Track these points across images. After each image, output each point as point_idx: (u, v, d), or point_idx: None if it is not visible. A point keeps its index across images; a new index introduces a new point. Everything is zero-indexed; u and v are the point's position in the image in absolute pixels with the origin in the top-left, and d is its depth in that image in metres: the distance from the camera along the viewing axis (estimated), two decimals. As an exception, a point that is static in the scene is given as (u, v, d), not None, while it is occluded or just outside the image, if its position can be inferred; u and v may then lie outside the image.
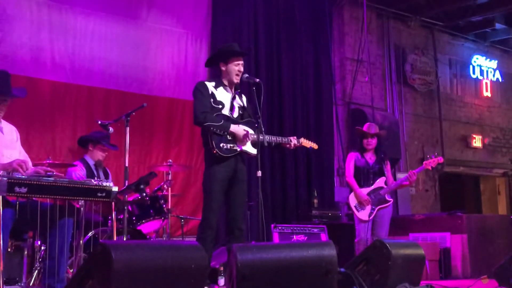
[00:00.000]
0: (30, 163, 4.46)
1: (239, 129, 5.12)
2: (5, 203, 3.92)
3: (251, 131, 5.19)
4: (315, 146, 5.73)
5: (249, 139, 5.13)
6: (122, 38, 7.88)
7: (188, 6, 8.63)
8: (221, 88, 5.23)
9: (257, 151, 5.13)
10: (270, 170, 8.85)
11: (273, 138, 5.33)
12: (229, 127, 5.08)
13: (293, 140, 5.43)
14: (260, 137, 5.07)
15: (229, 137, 5.09)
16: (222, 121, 5.09)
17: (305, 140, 5.60)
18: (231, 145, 5.09)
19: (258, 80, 5.26)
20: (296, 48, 9.63)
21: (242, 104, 5.32)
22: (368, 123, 7.25)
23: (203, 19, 8.76)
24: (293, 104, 9.46)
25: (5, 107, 4.43)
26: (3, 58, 6.80)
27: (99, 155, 6.51)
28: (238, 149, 5.12)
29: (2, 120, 4.51)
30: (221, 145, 5.04)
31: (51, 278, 4.15)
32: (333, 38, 10.53)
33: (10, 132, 4.57)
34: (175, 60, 8.40)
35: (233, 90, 5.29)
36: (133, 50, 7.96)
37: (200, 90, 5.19)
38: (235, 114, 5.24)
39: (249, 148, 5.19)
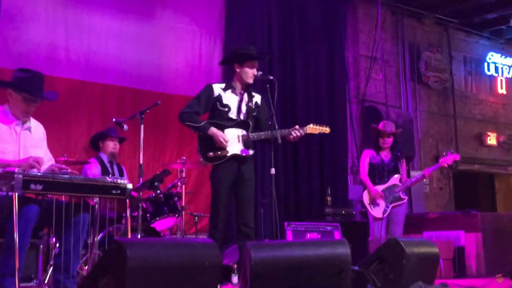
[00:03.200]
0: (51, 161, 4.51)
1: (217, 134, 5.11)
2: (29, 200, 3.96)
3: (237, 133, 5.18)
4: (326, 130, 5.42)
5: (225, 144, 5.11)
6: (137, 36, 7.92)
7: (202, 4, 8.65)
8: (229, 91, 5.26)
9: (255, 148, 5.16)
10: (283, 168, 8.84)
11: (270, 133, 5.21)
12: (208, 129, 5.11)
13: (296, 132, 5.23)
14: (252, 136, 5.13)
15: (216, 145, 5.12)
16: (203, 122, 5.13)
17: (312, 126, 5.36)
18: (219, 152, 5.11)
19: (272, 77, 5.27)
20: (309, 45, 9.61)
21: (252, 105, 5.32)
22: (384, 121, 7.21)
23: (217, 17, 8.77)
24: (306, 101, 9.44)
25: (35, 108, 4.47)
26: (19, 57, 6.86)
27: (110, 147, 6.60)
28: (227, 155, 5.13)
29: (31, 119, 4.55)
30: (208, 154, 5.12)
31: (63, 274, 4.17)
32: (347, 36, 10.51)
33: (38, 131, 4.61)
34: (189, 58, 8.42)
35: (243, 91, 5.30)
36: (147, 48, 7.99)
37: (201, 93, 5.30)
38: (243, 116, 5.25)
39: (238, 150, 5.18)
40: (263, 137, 5.22)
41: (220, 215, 5.12)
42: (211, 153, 5.12)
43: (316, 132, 5.41)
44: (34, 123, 4.58)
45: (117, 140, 6.67)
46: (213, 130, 5.12)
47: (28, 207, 3.89)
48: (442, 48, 12.26)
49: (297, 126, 5.29)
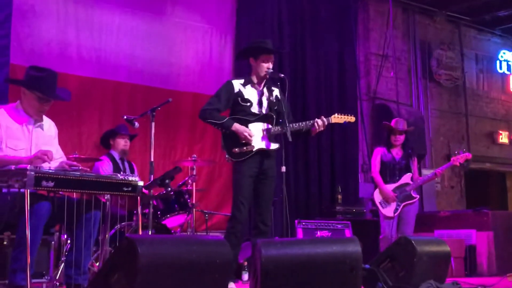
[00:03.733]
0: (63, 158, 4.52)
1: (241, 129, 5.10)
2: (41, 196, 3.97)
3: (261, 127, 5.17)
4: (352, 118, 5.50)
5: (250, 138, 5.11)
6: (148, 34, 7.93)
7: (213, 1, 8.66)
8: (249, 86, 5.25)
9: (277, 145, 5.19)
10: (293, 166, 8.84)
11: (296, 126, 5.23)
12: (231, 125, 5.09)
13: (319, 121, 5.23)
14: (275, 129, 5.13)
15: (241, 140, 5.11)
16: (226, 119, 5.11)
17: (337, 116, 5.41)
18: (245, 148, 5.09)
19: (282, 75, 5.26)
20: (320, 43, 9.59)
21: (273, 99, 5.30)
22: (396, 119, 7.17)
23: (228, 15, 8.77)
24: (317, 99, 9.42)
25: (48, 107, 4.48)
26: (30, 54, 6.88)
27: (121, 145, 6.64)
28: (253, 150, 5.12)
29: (44, 116, 4.57)
30: (234, 150, 5.10)
31: (74, 270, 4.19)
32: (358, 33, 10.48)
33: (50, 129, 4.62)
34: (199, 55, 8.42)
35: (262, 85, 5.29)
36: (158, 45, 8.00)
37: (221, 90, 5.28)
38: (265, 110, 5.24)
39: (263, 144, 5.17)
40: (303, 126, 5.22)
41: (245, 209, 5.09)
42: (236, 149, 5.09)
43: (342, 121, 5.44)
44: (46, 121, 4.59)
45: (128, 137, 6.69)
46: (236, 125, 5.10)
47: (40, 204, 3.91)
48: (453, 45, 12.20)
49: (321, 116, 5.28)
